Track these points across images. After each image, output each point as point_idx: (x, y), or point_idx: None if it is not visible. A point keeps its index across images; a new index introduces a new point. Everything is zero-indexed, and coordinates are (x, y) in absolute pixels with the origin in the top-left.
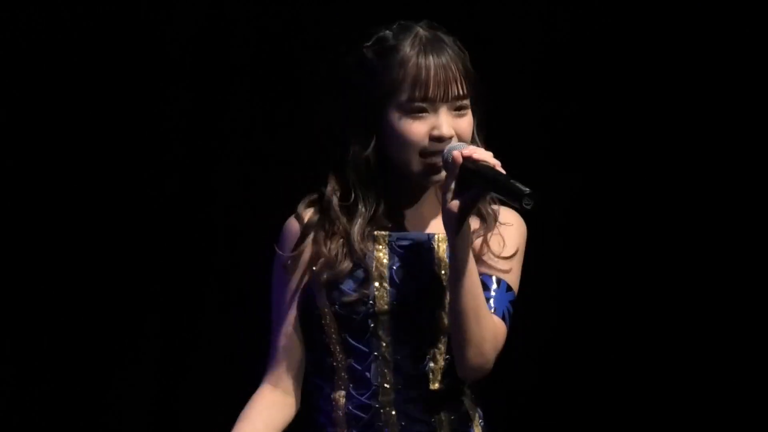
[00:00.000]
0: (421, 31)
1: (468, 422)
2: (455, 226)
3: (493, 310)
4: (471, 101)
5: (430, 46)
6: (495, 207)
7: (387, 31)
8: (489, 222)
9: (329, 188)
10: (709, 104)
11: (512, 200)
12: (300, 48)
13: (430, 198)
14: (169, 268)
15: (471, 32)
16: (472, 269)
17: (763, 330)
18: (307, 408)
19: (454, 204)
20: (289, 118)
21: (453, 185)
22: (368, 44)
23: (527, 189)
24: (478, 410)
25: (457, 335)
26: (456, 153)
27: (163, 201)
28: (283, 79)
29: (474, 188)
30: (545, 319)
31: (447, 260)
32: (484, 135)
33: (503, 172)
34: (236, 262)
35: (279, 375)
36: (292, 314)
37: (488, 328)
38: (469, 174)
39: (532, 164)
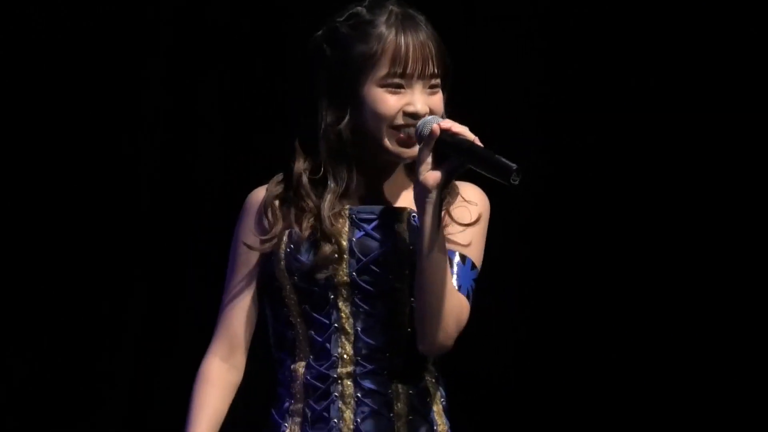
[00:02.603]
0: (395, 9)
1: (427, 398)
2: (429, 198)
3: (457, 288)
4: (442, 81)
5: (407, 23)
6: (456, 182)
7: (359, 8)
8: (451, 196)
9: (298, 164)
10: (702, 102)
11: (499, 176)
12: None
13: (397, 176)
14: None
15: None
16: (442, 244)
17: (760, 328)
18: (271, 382)
19: (431, 176)
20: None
21: (429, 158)
22: (341, 20)
23: (514, 164)
24: (440, 389)
25: (422, 310)
26: (434, 126)
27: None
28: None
29: (452, 161)
30: (521, 309)
31: (408, 233)
32: (448, 112)
33: (482, 146)
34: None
35: (230, 347)
36: (249, 286)
37: (453, 304)
38: (446, 147)
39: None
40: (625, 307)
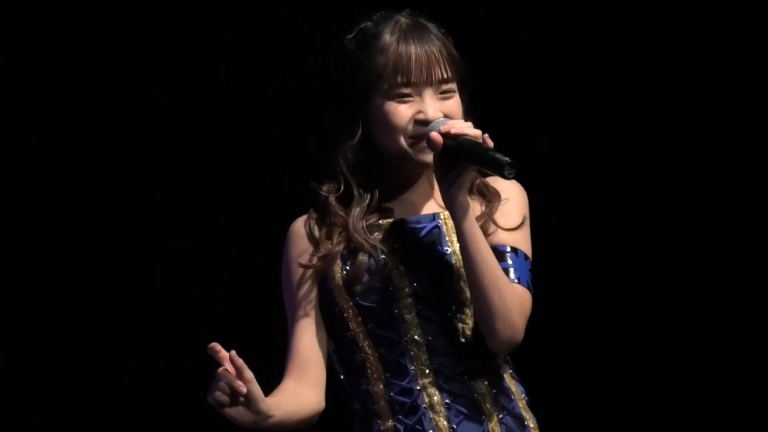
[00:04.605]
0: (402, 19)
1: (511, 396)
2: (452, 205)
3: (517, 280)
4: (458, 85)
5: (410, 32)
6: (491, 182)
7: (368, 22)
8: (493, 202)
9: (325, 186)
10: (708, 104)
11: (494, 171)
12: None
13: (425, 181)
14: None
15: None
16: (482, 243)
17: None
18: (348, 411)
19: (444, 184)
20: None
21: (441, 166)
22: (350, 36)
23: (507, 158)
24: (518, 384)
25: (483, 310)
26: (434, 134)
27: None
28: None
29: (460, 165)
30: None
31: (451, 235)
32: (472, 118)
33: (488, 142)
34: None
35: (301, 374)
36: (309, 316)
37: (512, 297)
38: (454, 151)
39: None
40: (633, 311)
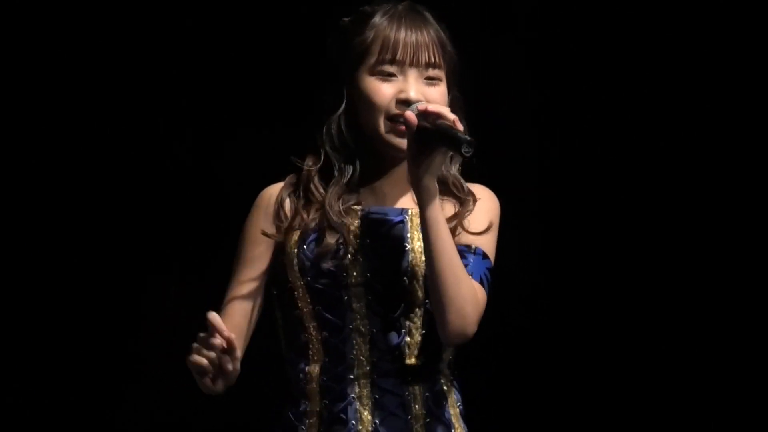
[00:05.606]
0: (401, 6)
1: (443, 402)
2: (419, 188)
3: (470, 275)
4: (447, 76)
5: (404, 15)
6: (468, 186)
7: (367, 7)
8: (466, 204)
9: (309, 160)
10: (704, 101)
11: (453, 148)
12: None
13: (402, 174)
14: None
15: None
16: (443, 231)
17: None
18: (283, 381)
19: (414, 166)
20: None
21: (414, 146)
22: (347, 18)
23: (467, 137)
24: (456, 392)
25: (438, 299)
26: (409, 113)
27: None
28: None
29: (431, 147)
30: (529, 308)
31: (420, 233)
32: (462, 115)
33: (459, 126)
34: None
35: None
36: (252, 285)
37: (468, 290)
38: (427, 133)
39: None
40: (629, 310)
